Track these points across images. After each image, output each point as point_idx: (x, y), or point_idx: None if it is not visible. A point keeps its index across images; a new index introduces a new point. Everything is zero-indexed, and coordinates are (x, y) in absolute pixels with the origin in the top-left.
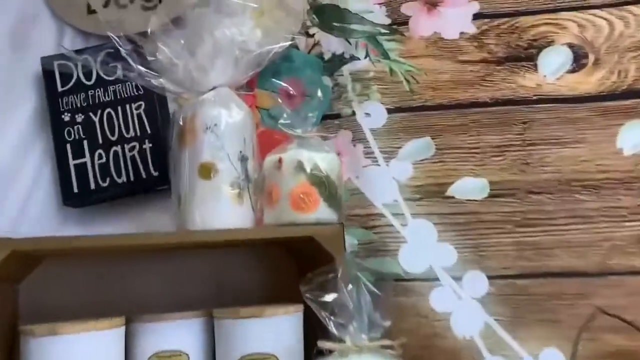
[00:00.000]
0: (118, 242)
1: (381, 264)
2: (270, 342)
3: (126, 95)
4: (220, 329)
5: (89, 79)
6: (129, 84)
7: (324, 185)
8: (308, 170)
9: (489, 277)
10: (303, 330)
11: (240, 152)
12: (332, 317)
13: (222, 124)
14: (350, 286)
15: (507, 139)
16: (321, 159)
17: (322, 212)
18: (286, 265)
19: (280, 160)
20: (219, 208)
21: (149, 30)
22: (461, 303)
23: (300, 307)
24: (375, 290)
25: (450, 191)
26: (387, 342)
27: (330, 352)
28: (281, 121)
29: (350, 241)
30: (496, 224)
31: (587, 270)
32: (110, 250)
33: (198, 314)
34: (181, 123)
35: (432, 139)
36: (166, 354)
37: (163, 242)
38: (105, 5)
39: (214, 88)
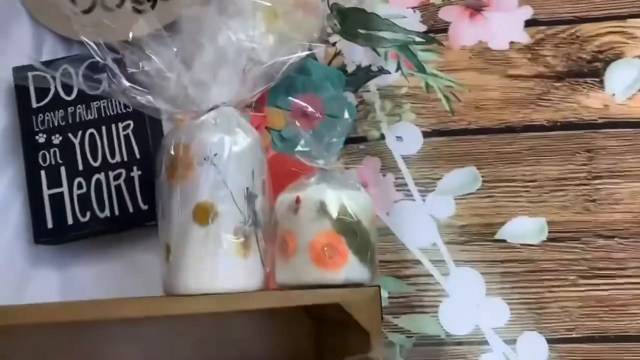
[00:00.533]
0: (79, 314)
1: (417, 323)
2: None
3: (112, 113)
4: None
5: (69, 94)
6: (115, 100)
7: (354, 235)
8: (334, 214)
9: (549, 341)
10: None
11: (247, 189)
12: None
13: (224, 154)
14: None
15: (568, 170)
16: (350, 199)
17: (351, 269)
18: (302, 331)
19: (297, 201)
20: (219, 263)
21: (130, 36)
22: None
23: None
24: None
25: (500, 233)
26: None
27: None
28: (299, 149)
29: None
30: (557, 275)
31: None
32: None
33: None
34: (172, 152)
35: (478, 169)
36: None
37: (142, 314)
38: (90, 9)
39: (214, 107)
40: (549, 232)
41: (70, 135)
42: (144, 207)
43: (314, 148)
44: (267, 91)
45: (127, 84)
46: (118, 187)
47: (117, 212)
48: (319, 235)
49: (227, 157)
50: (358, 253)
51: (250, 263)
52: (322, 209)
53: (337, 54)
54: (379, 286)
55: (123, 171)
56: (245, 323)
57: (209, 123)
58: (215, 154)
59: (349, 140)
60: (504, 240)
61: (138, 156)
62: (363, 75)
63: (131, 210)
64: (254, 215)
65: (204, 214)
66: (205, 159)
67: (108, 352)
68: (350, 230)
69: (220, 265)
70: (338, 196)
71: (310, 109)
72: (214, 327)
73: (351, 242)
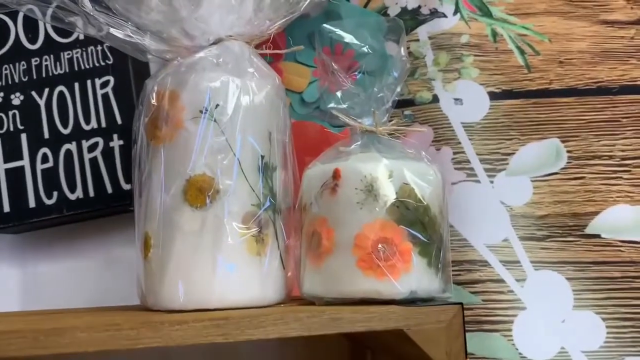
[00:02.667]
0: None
1: (485, 344)
2: None
3: (88, 67)
4: None
5: (33, 42)
6: (92, 50)
7: (421, 226)
8: (391, 195)
9: None
10: None
11: (262, 157)
12: None
13: (230, 105)
14: None
15: None
16: (415, 173)
17: (417, 277)
18: (332, 349)
19: (336, 175)
20: (222, 265)
21: None
22: None
23: None
24: None
25: (593, 226)
26: None
27: None
28: (332, 105)
29: None
30: None
31: None
32: None
33: None
34: (153, 102)
35: (563, 141)
36: None
37: (96, 348)
38: None
39: (216, 41)
40: None
41: (34, 93)
42: (127, 187)
43: (356, 103)
44: (283, 36)
45: (100, 12)
46: (94, 161)
47: (91, 193)
48: (368, 226)
49: (234, 110)
50: (426, 253)
51: (266, 265)
52: (374, 187)
53: None
54: (462, 304)
55: (100, 140)
56: (255, 346)
57: (207, 61)
58: (217, 105)
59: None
60: (597, 236)
61: (120, 121)
62: (410, 20)
63: (110, 190)
64: (271, 195)
65: (199, 192)
66: (201, 112)
67: None
68: (415, 221)
69: (223, 268)
70: (397, 168)
71: (335, 65)
72: (214, 351)
73: (416, 237)
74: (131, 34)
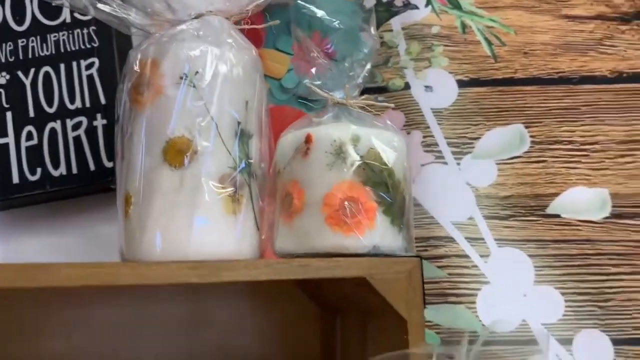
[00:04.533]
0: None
1: (449, 315)
2: None
3: (74, 48)
4: None
5: (20, 23)
6: (78, 33)
7: (385, 187)
8: (357, 157)
9: (615, 342)
10: None
11: (239, 123)
12: None
13: (208, 72)
14: None
15: (637, 131)
16: (381, 139)
17: (380, 234)
18: (304, 320)
19: (308, 140)
20: (198, 220)
21: None
22: None
23: None
24: None
25: (553, 207)
26: None
27: None
28: (307, 81)
29: None
30: (623, 259)
31: None
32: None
33: None
34: (136, 68)
35: (526, 127)
36: None
37: (78, 283)
38: None
39: (198, 16)
40: (613, 206)
41: (19, 73)
42: (109, 164)
43: (329, 78)
44: (264, 30)
45: None
46: (77, 139)
47: (75, 170)
48: (337, 186)
49: (213, 77)
50: (389, 213)
51: (241, 222)
52: (342, 150)
53: None
54: (420, 257)
55: (84, 119)
56: (227, 306)
57: (188, 33)
58: (197, 72)
59: (365, 91)
60: (557, 216)
61: (104, 101)
62: (384, 11)
63: (92, 168)
64: (247, 159)
65: (178, 153)
66: (181, 78)
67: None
68: (381, 182)
69: (199, 223)
70: (365, 134)
71: (315, 50)
72: (186, 311)
73: (381, 197)
74: (117, 9)
